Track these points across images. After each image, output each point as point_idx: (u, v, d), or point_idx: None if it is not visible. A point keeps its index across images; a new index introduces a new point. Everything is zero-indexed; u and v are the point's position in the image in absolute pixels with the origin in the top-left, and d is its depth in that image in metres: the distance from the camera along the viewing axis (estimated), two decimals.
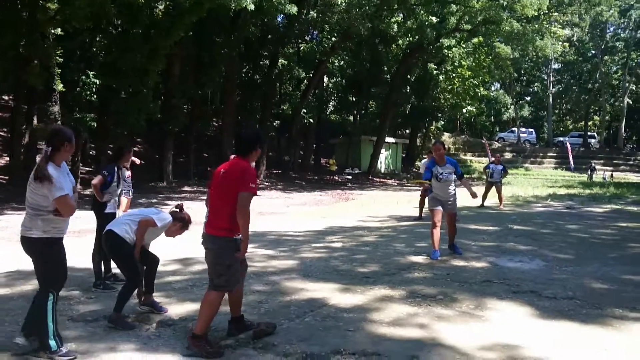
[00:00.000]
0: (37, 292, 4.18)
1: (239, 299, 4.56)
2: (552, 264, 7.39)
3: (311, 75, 32.67)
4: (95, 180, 5.97)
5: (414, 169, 41.60)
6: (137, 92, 21.15)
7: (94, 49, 22.78)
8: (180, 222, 5.29)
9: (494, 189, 15.50)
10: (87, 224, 11.65)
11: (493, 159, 17.07)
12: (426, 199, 9.44)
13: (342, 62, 37.89)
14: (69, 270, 6.61)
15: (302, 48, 33.08)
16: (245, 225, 4.11)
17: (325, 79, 38.38)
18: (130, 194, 7.08)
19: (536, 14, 29.07)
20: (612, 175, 36.22)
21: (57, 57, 18.72)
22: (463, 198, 9.22)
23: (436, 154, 7.99)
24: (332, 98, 39.88)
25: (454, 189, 7.98)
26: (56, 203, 3.87)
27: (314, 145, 38.19)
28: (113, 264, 6.05)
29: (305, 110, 32.01)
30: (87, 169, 23.75)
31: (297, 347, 4.23)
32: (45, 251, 4.01)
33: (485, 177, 17.26)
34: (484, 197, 15.58)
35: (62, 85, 18.89)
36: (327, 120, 41.20)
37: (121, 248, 4.94)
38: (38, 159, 4.05)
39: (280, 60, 31.62)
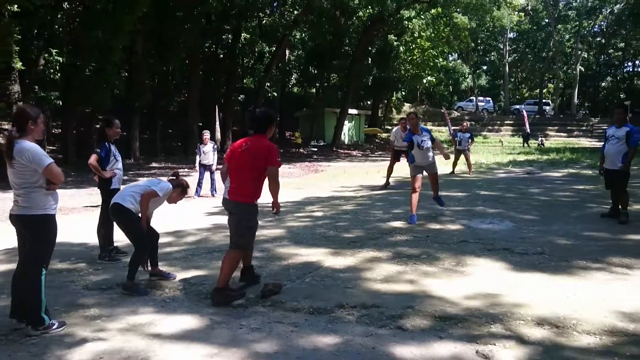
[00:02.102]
0: (23, 272, 4.20)
1: (250, 254, 5.29)
2: (520, 224, 8.02)
3: (274, 48, 32.71)
4: (92, 159, 6.24)
5: (377, 140, 42.33)
6: (101, 69, 20.97)
7: (56, 27, 22.37)
8: (180, 187, 5.64)
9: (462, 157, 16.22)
10: (69, 202, 11.86)
11: (460, 127, 17.69)
12: (399, 168, 9.94)
13: (304, 35, 37.94)
14: (68, 246, 6.97)
15: (264, 22, 33.00)
16: (277, 191, 4.93)
17: (287, 52, 38.39)
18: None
19: None
20: (542, 142, 36.88)
21: (16, 35, 18.34)
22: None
23: (411, 124, 8.59)
24: (295, 71, 39.97)
25: (432, 154, 8.56)
26: (47, 172, 4.02)
27: (279, 119, 38.30)
28: (115, 237, 6.41)
29: (269, 84, 32.11)
30: (52, 147, 23.51)
31: (304, 303, 4.70)
32: (46, 227, 4.17)
33: (453, 145, 17.91)
34: (454, 164, 16.31)
35: (21, 63, 18.58)
36: (290, 94, 41.32)
37: (128, 218, 5.27)
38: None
39: (242, 35, 31.55)
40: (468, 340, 3.86)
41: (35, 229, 4.15)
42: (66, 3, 21.21)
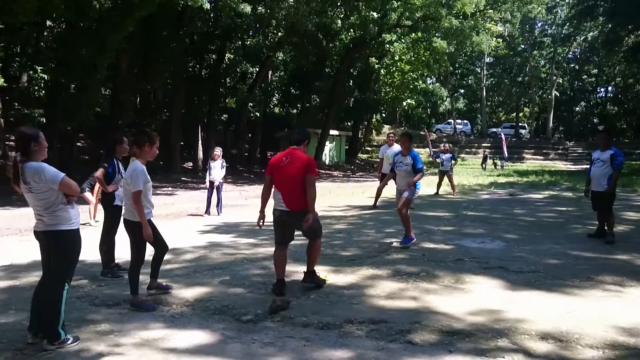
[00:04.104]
0: (47, 285, 4.29)
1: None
2: (511, 244, 8.24)
3: (257, 69, 32.95)
4: (98, 173, 6.31)
5: (357, 161, 42.68)
6: (86, 87, 20.92)
7: (41, 44, 22.32)
8: (146, 142, 5.42)
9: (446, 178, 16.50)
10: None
11: (442, 148, 17.98)
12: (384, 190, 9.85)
13: (286, 57, 38.30)
14: None
15: (248, 43, 33.27)
16: (314, 198, 5.56)
17: (269, 72, 38.68)
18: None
19: (473, 11, 30.34)
20: (494, 163, 36.75)
21: None
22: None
23: (402, 146, 8.48)
24: (276, 92, 40.25)
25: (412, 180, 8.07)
26: (62, 187, 4.10)
27: (260, 139, 38.49)
28: (117, 255, 6.46)
29: (251, 104, 32.26)
30: None
31: (313, 318, 4.81)
32: (72, 241, 4.27)
33: (437, 166, 18.20)
34: (438, 185, 16.61)
35: (2, 80, 18.48)
36: (271, 114, 41.52)
37: (138, 231, 5.28)
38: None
39: (226, 55, 31.76)
40: (477, 354, 4.00)
41: (63, 244, 4.24)
42: (51, 21, 21.20)
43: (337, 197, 16.50)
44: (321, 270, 6.42)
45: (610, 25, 37.93)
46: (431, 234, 9.10)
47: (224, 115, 37.68)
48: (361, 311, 4.99)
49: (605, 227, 8.51)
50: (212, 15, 26.32)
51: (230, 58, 33.46)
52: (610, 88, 64.26)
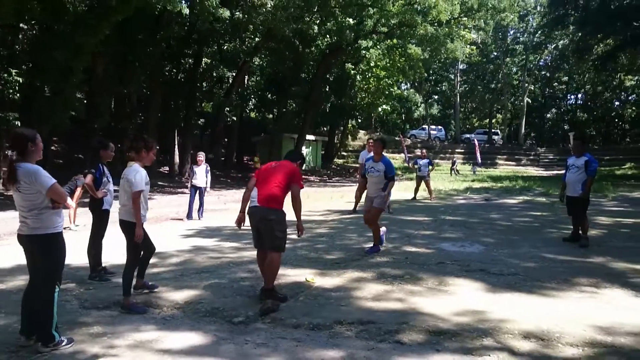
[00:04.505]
0: (36, 288, 4.31)
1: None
2: (489, 247, 8.47)
3: (234, 74, 32.96)
4: (87, 179, 6.34)
5: (333, 166, 42.91)
6: (61, 90, 20.70)
7: (16, 47, 22.03)
8: (143, 147, 5.58)
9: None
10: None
11: (419, 154, 18.24)
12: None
13: (263, 62, 38.37)
14: None
15: (225, 47, 33.24)
16: (300, 208, 5.72)
17: (246, 77, 38.69)
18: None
19: (448, 18, 30.81)
20: (457, 170, 36.98)
21: None
22: (395, 192, 10.12)
23: (374, 151, 8.32)
24: (253, 97, 40.28)
25: (382, 189, 7.96)
26: (51, 192, 4.15)
27: (237, 144, 38.45)
28: (104, 258, 6.50)
29: (228, 109, 32.25)
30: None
31: (303, 320, 4.93)
32: (56, 245, 4.31)
33: (414, 172, 18.44)
34: (416, 190, 16.84)
35: None
36: (248, 119, 41.51)
37: (134, 231, 5.37)
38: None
39: (203, 59, 31.71)
40: (464, 353, 4.16)
41: (47, 248, 4.27)
42: (25, 23, 20.95)
43: (316, 202, 16.61)
44: (308, 274, 6.56)
45: (580, 34, 38.90)
46: (412, 238, 9.29)
47: (201, 120, 37.59)
48: (350, 312, 5.12)
49: (580, 231, 8.78)
50: (188, 19, 26.24)
51: (207, 62, 33.39)
52: (580, 95, 65.66)
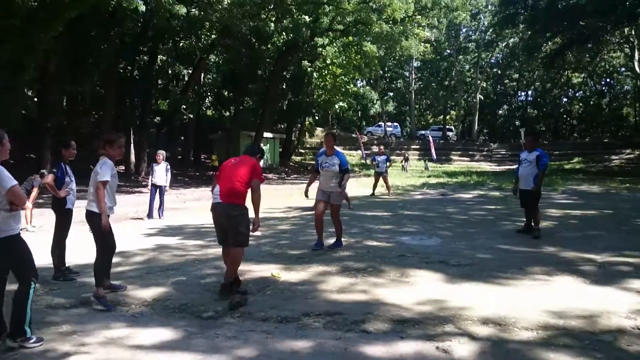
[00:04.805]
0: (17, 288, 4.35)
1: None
2: (447, 240, 8.78)
3: (190, 71, 32.70)
4: (48, 179, 6.31)
5: (291, 163, 43.00)
6: (12, 88, 20.20)
7: None
8: (111, 142, 5.67)
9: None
10: None
11: (377, 150, 18.56)
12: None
13: (219, 59, 38.16)
14: None
15: (180, 44, 32.93)
16: (259, 201, 5.77)
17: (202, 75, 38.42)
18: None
19: (403, 17, 31.30)
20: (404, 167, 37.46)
21: None
22: (354, 189, 10.34)
23: (326, 145, 8.15)
24: (209, 94, 40.02)
25: (337, 183, 7.94)
26: (10, 194, 4.16)
27: (194, 142, 38.12)
28: (68, 258, 6.48)
29: (184, 107, 32.00)
30: None
31: (271, 313, 5.06)
32: (17, 246, 4.33)
33: (373, 168, 18.76)
34: (374, 186, 17.15)
35: None
36: (204, 116, 41.20)
37: (100, 222, 5.46)
38: None
39: (159, 57, 31.35)
40: (427, 339, 4.37)
41: (10, 250, 4.29)
42: None
43: (276, 199, 16.73)
44: (273, 269, 6.69)
45: (529, 33, 40.10)
46: (373, 232, 9.52)
47: (157, 118, 37.12)
48: (316, 305, 5.28)
49: (532, 223, 9.17)
50: (142, 16, 25.90)
51: (163, 60, 33.06)
52: (530, 92, 67.53)
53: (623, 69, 53.21)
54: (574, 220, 11.30)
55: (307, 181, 8.57)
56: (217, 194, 5.69)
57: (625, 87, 58.38)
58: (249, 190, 5.68)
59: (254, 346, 4.28)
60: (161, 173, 12.63)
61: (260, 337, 4.47)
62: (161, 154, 12.93)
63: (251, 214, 5.73)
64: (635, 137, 46.73)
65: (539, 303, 5.19)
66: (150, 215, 12.56)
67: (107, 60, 26.16)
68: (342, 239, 8.38)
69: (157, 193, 12.72)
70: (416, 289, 5.79)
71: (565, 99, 64.20)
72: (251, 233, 5.74)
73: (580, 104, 62.31)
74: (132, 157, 29.33)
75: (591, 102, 60.52)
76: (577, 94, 62.91)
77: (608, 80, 59.03)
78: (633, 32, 38.87)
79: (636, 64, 40.00)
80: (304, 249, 8.13)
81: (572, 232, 9.58)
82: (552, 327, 4.58)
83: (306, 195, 8.09)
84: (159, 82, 35.01)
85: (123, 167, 29.90)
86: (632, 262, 6.97)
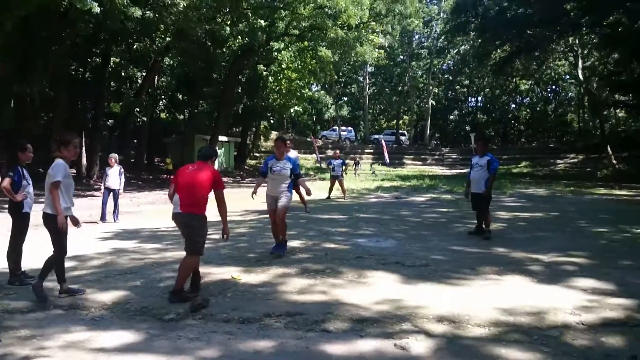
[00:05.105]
0: None
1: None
2: (402, 242, 9.02)
3: (144, 74, 32.24)
4: (5, 183, 6.21)
5: (246, 167, 42.85)
6: None
7: None
8: (66, 143, 5.68)
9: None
10: None
11: (333, 154, 18.76)
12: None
13: (173, 62, 37.75)
14: None
15: (134, 47, 32.42)
16: (225, 211, 6.02)
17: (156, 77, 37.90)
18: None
19: (357, 23, 31.67)
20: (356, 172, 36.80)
21: None
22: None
23: (277, 151, 8.01)
24: (163, 97, 39.51)
25: (286, 188, 7.86)
26: None
27: (147, 145, 37.53)
28: (23, 262, 6.40)
29: (137, 109, 31.52)
30: None
31: (233, 314, 5.14)
32: None
33: (328, 172, 18.95)
34: (330, 190, 17.34)
35: None
36: (158, 119, 40.63)
37: (54, 224, 5.52)
38: None
39: (112, 59, 30.79)
40: (385, 337, 4.54)
41: None
42: None
43: (233, 202, 16.47)
44: (233, 271, 6.75)
45: (480, 40, 41.25)
46: (330, 235, 9.68)
47: (109, 121, 36.41)
48: (277, 306, 5.39)
49: (483, 225, 9.51)
50: (95, 17, 25.42)
51: (116, 62, 32.47)
52: (480, 98, 69.36)
53: (568, 76, 55.22)
54: (522, 222, 11.76)
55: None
56: (176, 203, 5.70)
57: (570, 94, 60.72)
58: (209, 198, 5.74)
59: (217, 347, 4.35)
60: (114, 176, 12.53)
61: (223, 338, 4.54)
62: (114, 157, 12.83)
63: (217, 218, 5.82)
64: (578, 142, 48.53)
65: (490, 301, 5.43)
66: (103, 218, 12.40)
67: (58, 62, 25.53)
68: (300, 242, 8.52)
69: (111, 197, 12.59)
70: (374, 289, 5.96)
71: (513, 105, 66.26)
72: (211, 237, 5.81)
73: (528, 110, 64.40)
74: (84, 161, 28.68)
75: (538, 109, 62.69)
76: (524, 100, 65.00)
77: (554, 87, 61.26)
78: (577, 42, 40.40)
79: (580, 72, 41.56)
80: (263, 251, 8.22)
81: (520, 234, 9.98)
82: (503, 323, 4.82)
83: (253, 195, 8.11)
84: (112, 84, 34.34)
85: (74, 171, 29.21)
86: (577, 261, 7.36)
